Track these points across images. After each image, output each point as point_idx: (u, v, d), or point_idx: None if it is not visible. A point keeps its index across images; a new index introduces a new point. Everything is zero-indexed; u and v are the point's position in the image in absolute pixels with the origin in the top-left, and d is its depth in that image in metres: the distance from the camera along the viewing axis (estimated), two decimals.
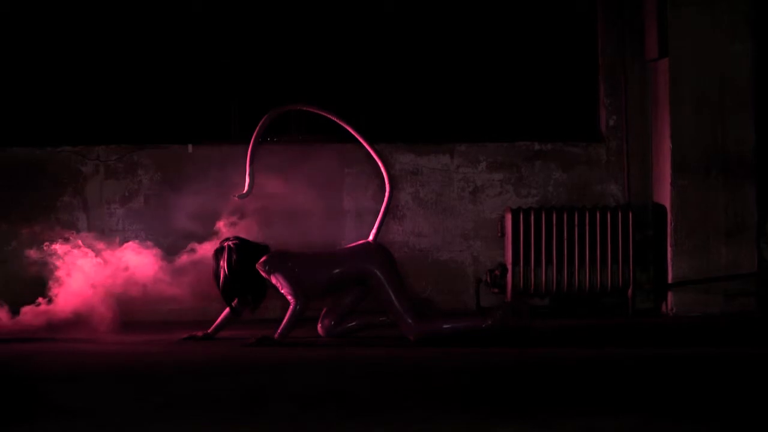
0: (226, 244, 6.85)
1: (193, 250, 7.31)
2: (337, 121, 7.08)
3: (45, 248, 7.43)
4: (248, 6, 8.30)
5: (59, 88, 8.21)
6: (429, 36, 8.37)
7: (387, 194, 6.99)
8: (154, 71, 8.26)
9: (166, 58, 8.26)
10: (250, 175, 7.04)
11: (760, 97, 8.00)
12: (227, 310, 6.91)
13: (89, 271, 7.31)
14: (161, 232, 7.93)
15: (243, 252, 6.80)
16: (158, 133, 8.22)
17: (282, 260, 6.76)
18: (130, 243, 7.45)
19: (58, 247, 7.37)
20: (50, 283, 7.34)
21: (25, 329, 7.21)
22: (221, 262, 6.81)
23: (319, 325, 6.95)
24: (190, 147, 8.14)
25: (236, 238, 6.89)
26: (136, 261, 7.34)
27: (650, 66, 8.19)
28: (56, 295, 7.30)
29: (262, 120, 7.09)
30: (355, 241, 7.15)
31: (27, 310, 7.34)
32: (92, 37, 8.21)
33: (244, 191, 7.08)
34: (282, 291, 6.72)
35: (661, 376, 5.57)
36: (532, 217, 7.94)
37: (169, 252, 7.47)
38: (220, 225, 7.31)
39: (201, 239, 7.39)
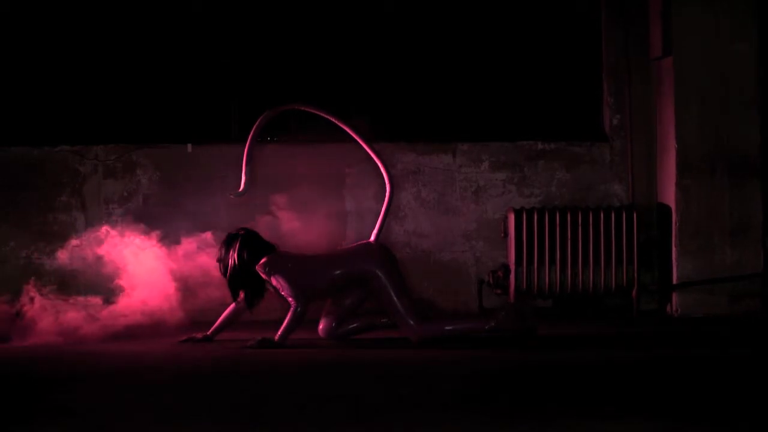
0: (240, 233, 6.79)
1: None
2: (335, 121, 7.02)
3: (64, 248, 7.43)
4: (248, 6, 8.26)
5: (57, 87, 8.20)
6: (431, 35, 8.34)
7: (388, 194, 6.93)
8: (154, 71, 8.24)
9: (165, 57, 8.24)
10: (246, 173, 7.01)
11: (765, 95, 7.96)
12: (227, 311, 6.88)
13: (158, 270, 7.21)
14: (160, 232, 7.87)
15: (252, 246, 6.74)
16: (158, 133, 8.19)
17: (282, 261, 6.71)
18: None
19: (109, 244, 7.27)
20: (118, 282, 7.23)
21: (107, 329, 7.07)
22: (231, 252, 6.75)
23: (320, 327, 6.89)
24: (189, 147, 8.11)
25: (249, 230, 6.85)
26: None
27: (654, 65, 8.15)
28: (121, 297, 7.19)
29: (259, 119, 7.05)
30: (357, 242, 7.10)
31: (105, 313, 7.18)
32: (91, 36, 8.21)
33: (240, 189, 7.04)
34: (282, 293, 6.67)
35: (666, 378, 5.55)
36: (536, 218, 7.90)
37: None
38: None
39: (200, 239, 7.33)
